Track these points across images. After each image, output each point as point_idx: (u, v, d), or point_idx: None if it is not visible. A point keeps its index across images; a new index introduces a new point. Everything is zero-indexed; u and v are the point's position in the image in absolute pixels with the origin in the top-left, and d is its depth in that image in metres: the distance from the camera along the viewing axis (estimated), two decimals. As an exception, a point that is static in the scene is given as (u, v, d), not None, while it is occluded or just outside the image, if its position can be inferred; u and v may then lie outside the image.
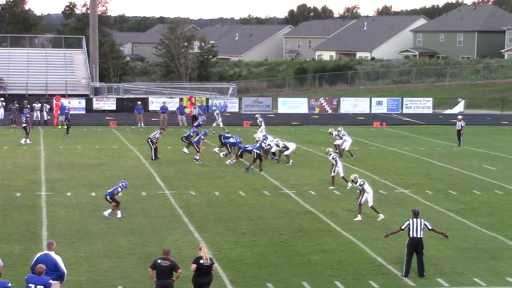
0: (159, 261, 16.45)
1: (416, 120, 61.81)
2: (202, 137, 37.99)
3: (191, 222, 24.84)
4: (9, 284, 14.71)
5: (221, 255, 21.00)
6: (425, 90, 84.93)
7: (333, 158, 31.11)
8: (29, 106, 52.94)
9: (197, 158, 37.35)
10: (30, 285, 14.93)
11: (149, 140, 37.95)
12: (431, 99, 69.68)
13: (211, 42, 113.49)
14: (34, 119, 53.77)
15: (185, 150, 39.67)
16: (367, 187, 25.73)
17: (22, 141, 43.63)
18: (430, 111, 67.92)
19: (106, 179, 32.44)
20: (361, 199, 25.66)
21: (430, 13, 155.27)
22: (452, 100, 72.38)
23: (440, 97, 74.96)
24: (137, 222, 24.73)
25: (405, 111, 67.16)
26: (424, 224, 19.59)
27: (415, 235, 19.40)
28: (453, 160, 39.46)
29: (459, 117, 46.20)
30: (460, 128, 45.05)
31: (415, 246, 19.41)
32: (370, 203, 25.65)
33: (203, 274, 16.63)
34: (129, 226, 24.15)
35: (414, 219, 19.57)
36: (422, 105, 68.44)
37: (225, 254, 21.22)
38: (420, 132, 53.52)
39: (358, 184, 25.89)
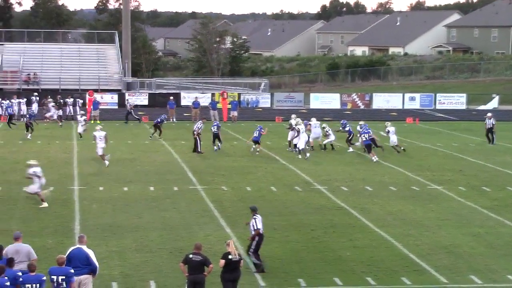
0: (190, 256, 16.43)
1: (449, 116, 61.34)
2: (263, 131, 38.59)
3: (223, 217, 24.85)
4: (44, 278, 14.82)
5: (252, 250, 20.94)
6: (458, 86, 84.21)
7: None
8: (37, 100, 54.03)
9: (257, 150, 38.49)
10: (52, 277, 15.02)
11: (194, 132, 38.70)
12: (464, 95, 69.09)
13: (243, 37, 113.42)
14: (67, 113, 54.34)
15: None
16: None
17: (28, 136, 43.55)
18: (464, 107, 67.33)
19: (138, 174, 32.59)
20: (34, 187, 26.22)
21: (464, 8, 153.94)
22: (486, 96, 71.74)
23: (473, 92, 74.30)
24: (169, 217, 24.80)
25: (438, 107, 66.68)
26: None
27: (261, 231, 19.27)
28: (487, 157, 39.09)
29: (489, 114, 45.15)
30: (491, 126, 44.31)
31: (262, 239, 19.27)
32: None
33: (232, 270, 16.65)
34: (161, 221, 24.23)
35: (257, 216, 19.37)
36: (455, 101, 67.90)
37: (257, 249, 21.15)
38: (453, 128, 53.10)
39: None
